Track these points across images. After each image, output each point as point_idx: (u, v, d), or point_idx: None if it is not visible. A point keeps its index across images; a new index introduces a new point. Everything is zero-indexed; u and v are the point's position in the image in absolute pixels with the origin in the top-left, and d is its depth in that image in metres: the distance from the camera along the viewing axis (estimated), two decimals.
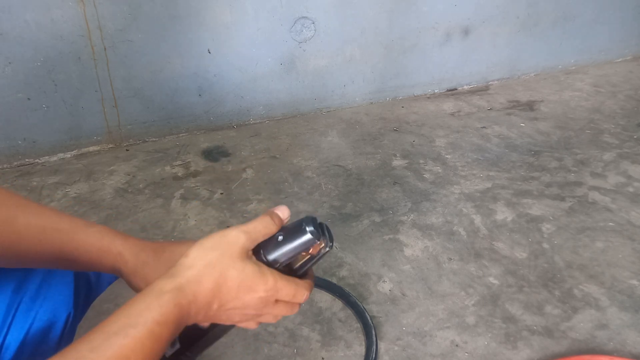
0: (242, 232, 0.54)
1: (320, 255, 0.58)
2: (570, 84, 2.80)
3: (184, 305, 0.49)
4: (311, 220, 0.56)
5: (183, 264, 0.52)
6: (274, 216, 0.57)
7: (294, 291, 0.55)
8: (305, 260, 0.58)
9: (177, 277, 0.50)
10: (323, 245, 0.57)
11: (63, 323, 0.67)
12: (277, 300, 0.55)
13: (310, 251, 0.57)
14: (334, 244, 0.60)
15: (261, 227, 0.55)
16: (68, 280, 0.69)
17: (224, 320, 0.55)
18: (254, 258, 0.54)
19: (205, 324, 0.60)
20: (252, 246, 0.55)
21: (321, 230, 0.57)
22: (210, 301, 0.51)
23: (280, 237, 0.56)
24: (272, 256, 0.56)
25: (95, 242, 0.61)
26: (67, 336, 0.68)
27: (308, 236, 0.55)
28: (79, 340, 0.45)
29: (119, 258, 0.62)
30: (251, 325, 0.58)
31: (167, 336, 0.48)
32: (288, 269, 0.58)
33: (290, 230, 0.57)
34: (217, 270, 0.51)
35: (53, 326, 0.66)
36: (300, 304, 0.59)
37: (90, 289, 0.74)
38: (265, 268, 0.54)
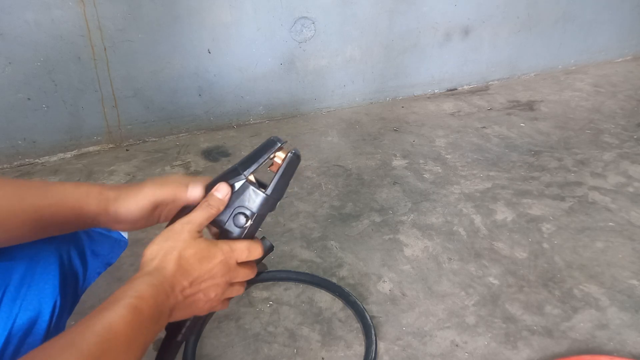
0: (186, 222, 0.61)
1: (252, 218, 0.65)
2: (570, 84, 2.80)
3: (157, 285, 0.55)
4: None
5: (145, 261, 0.59)
6: (211, 200, 0.64)
7: (247, 248, 0.63)
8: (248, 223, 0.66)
9: (145, 268, 0.58)
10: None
11: (50, 312, 0.66)
12: (238, 265, 0.63)
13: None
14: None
15: (201, 214, 0.63)
16: (52, 268, 0.69)
17: (201, 299, 0.61)
18: (204, 236, 0.62)
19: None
20: (200, 229, 0.62)
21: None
22: (179, 279, 0.58)
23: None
24: (223, 220, 0.65)
25: (66, 194, 0.65)
26: (55, 328, 0.67)
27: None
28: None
29: (85, 197, 0.65)
30: (230, 294, 0.64)
31: (147, 310, 0.53)
32: (241, 235, 0.66)
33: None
34: (175, 254, 0.59)
35: (39, 316, 0.65)
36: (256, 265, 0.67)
37: (77, 280, 0.74)
38: (216, 240, 0.62)
